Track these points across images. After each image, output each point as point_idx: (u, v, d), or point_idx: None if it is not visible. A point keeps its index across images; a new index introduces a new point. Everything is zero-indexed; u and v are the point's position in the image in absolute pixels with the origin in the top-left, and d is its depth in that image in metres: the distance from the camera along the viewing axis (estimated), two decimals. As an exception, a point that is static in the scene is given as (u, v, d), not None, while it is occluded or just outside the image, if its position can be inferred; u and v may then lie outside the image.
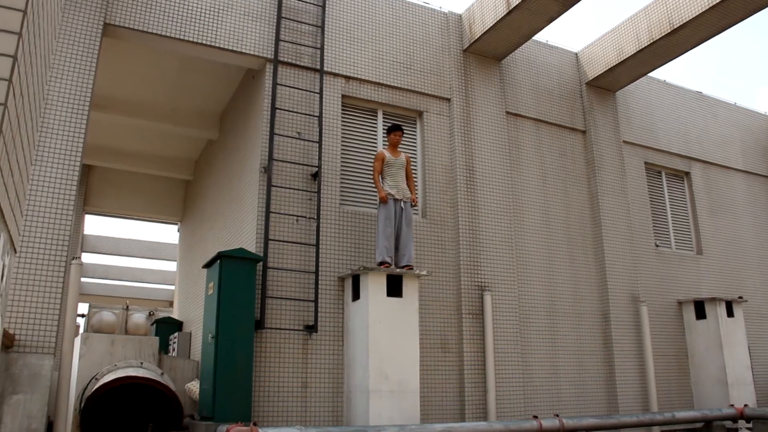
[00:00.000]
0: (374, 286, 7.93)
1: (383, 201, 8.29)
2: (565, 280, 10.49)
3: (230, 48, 8.83)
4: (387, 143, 8.92)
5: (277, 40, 8.97)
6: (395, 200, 8.37)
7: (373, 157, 9.36)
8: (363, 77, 9.51)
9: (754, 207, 13.76)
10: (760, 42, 50.01)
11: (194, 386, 8.60)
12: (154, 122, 11.62)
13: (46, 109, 7.39)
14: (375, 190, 8.88)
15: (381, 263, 8.14)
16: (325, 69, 9.20)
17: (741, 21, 9.87)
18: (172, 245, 17.56)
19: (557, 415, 8.66)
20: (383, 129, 9.61)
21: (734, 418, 9.97)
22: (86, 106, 7.64)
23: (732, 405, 10.17)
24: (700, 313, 11.34)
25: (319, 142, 8.80)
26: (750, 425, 10.06)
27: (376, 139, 9.62)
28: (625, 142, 11.99)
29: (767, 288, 13.15)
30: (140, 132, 12.53)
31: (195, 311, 10.90)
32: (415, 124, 10.00)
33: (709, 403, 10.69)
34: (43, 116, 7.32)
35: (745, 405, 10.12)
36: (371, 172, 9.30)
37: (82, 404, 7.93)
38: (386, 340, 7.83)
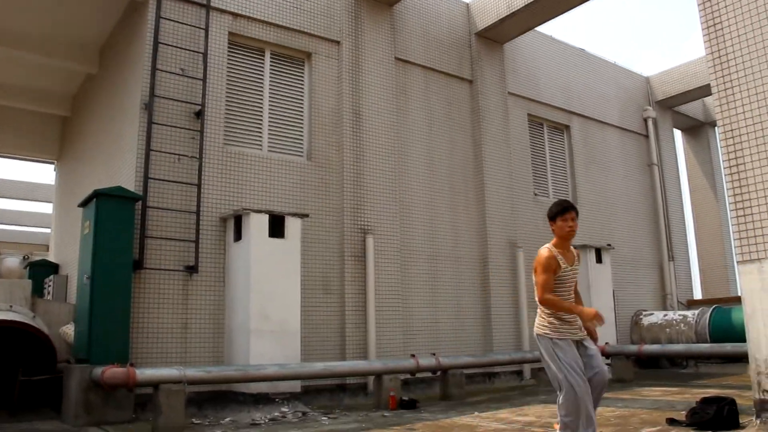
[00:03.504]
0: (256, 227, 7.92)
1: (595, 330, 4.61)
2: (446, 225, 10.84)
3: (108, -25, 8.35)
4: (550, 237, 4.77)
5: (160, -30, 8.56)
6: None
7: (258, 97, 9.22)
8: (251, 15, 9.25)
9: (625, 161, 14.63)
10: (649, 7, 52.37)
11: (69, 329, 8.34)
12: (26, 52, 10.82)
13: None
14: (260, 130, 8.78)
15: None
16: (211, 4, 8.87)
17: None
18: (48, 186, 16.67)
19: (434, 354, 9.09)
20: (270, 71, 9.45)
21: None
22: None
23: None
24: (572, 259, 12.02)
25: (204, 79, 8.54)
26: (609, 361, 10.93)
27: (262, 79, 9.44)
28: (510, 93, 12.36)
29: (633, 237, 14.14)
30: (11, 62, 11.66)
31: (72, 254, 10.47)
32: (303, 66, 9.89)
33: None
34: None
35: (606, 343, 10.96)
36: (258, 112, 9.16)
37: (-56, 349, 7.55)
38: (268, 280, 7.88)
